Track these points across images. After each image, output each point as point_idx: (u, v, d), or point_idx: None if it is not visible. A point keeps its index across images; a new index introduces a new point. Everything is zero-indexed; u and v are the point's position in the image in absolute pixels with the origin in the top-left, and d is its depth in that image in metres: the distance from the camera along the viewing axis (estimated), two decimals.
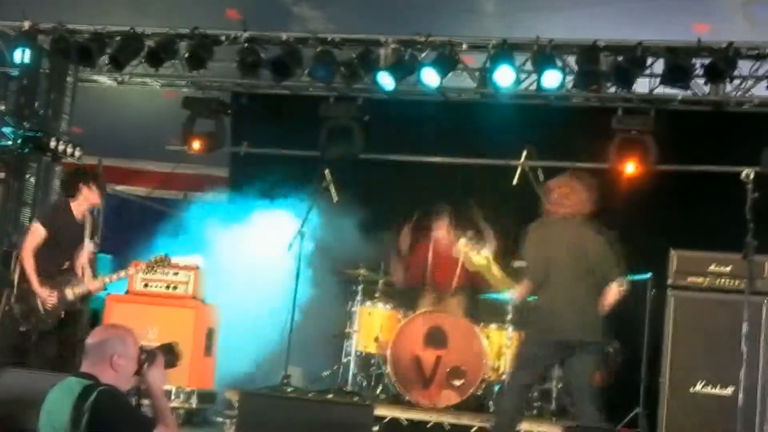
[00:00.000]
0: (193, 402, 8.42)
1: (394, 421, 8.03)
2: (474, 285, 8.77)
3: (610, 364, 8.37)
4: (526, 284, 6.63)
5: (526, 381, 6.64)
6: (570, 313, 6.38)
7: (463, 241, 6.84)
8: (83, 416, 3.85)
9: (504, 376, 8.45)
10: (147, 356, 4.19)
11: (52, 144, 9.63)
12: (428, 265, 9.11)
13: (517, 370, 6.75)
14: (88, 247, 7.72)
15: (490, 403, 8.32)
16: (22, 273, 7.41)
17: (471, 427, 7.94)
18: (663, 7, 9.34)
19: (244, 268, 9.47)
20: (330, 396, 8.25)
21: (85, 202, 7.69)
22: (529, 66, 9.48)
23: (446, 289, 8.99)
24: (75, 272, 7.61)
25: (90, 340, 4.18)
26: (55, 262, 7.53)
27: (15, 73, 10.09)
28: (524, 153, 8.31)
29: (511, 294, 7.09)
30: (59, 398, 3.98)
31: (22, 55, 9.94)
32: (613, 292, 6.49)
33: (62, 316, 7.45)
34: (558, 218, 6.58)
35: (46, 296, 7.35)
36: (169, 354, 4.35)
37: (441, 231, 9.07)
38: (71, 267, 7.62)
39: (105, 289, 7.98)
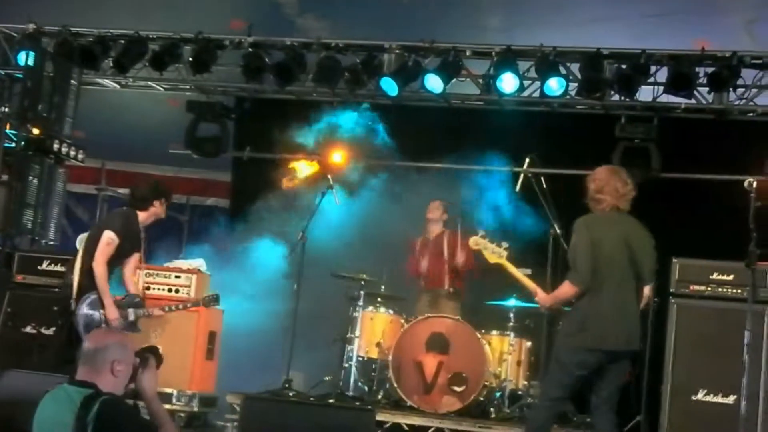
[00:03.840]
0: (195, 405, 8.39)
1: (396, 426, 8.01)
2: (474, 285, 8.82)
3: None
4: (571, 287, 5.94)
5: (563, 394, 6.07)
6: (622, 321, 5.91)
7: (479, 234, 6.47)
8: (87, 427, 3.76)
9: (505, 383, 8.44)
10: (141, 360, 4.14)
11: (55, 146, 9.62)
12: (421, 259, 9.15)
13: (553, 384, 6.06)
14: (135, 257, 7.57)
15: (491, 409, 8.31)
16: (90, 281, 7.16)
17: None
18: (666, 24, 9.38)
19: (247, 272, 9.47)
20: (331, 401, 8.23)
21: (152, 216, 7.61)
22: (532, 73, 9.50)
23: (438, 285, 8.99)
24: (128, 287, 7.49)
25: (88, 345, 4.06)
26: (111, 271, 7.34)
27: (19, 75, 10.12)
28: (527, 160, 8.34)
29: (541, 297, 6.22)
30: (57, 409, 3.87)
31: (26, 58, 9.98)
32: (646, 297, 6.21)
33: None
34: (607, 214, 6.05)
35: (115, 318, 7.13)
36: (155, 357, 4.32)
37: (433, 215, 9.05)
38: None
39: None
